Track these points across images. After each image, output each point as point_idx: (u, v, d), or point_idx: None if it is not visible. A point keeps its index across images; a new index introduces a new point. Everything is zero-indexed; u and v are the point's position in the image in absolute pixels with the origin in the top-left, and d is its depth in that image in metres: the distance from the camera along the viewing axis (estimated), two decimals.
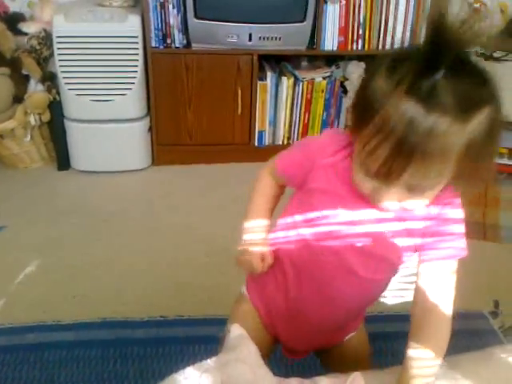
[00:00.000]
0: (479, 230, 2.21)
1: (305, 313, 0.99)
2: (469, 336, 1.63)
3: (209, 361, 0.79)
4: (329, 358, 1.16)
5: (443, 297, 0.87)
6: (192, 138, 2.58)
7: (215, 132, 2.59)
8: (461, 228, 0.86)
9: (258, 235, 1.02)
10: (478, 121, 0.67)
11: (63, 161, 2.54)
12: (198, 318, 1.65)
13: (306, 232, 0.92)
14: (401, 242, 0.88)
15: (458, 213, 0.85)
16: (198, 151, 2.63)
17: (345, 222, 0.87)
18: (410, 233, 0.86)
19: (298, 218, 0.93)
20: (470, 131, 0.67)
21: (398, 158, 0.69)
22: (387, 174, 0.71)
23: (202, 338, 1.56)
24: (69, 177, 2.53)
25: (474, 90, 0.67)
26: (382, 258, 0.91)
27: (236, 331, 0.87)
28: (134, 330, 1.61)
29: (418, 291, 0.88)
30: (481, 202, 2.40)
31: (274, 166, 1.00)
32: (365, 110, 0.72)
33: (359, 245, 0.88)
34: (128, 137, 2.50)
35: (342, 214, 0.86)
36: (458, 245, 0.86)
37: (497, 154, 0.73)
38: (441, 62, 0.65)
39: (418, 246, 0.89)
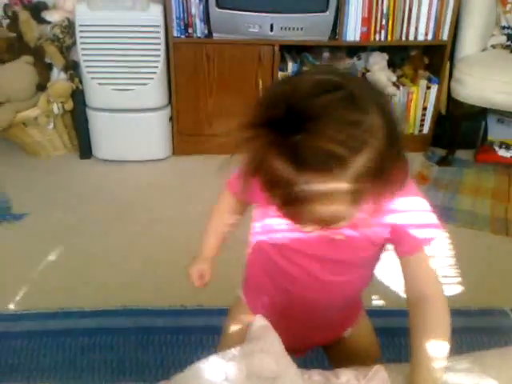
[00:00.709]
0: (502, 226, 2.18)
1: (290, 317, 1.00)
2: (490, 333, 1.62)
3: (233, 350, 0.79)
4: (333, 354, 1.17)
5: (432, 282, 0.87)
6: (212, 128, 2.58)
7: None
8: (415, 219, 0.85)
9: (206, 253, 1.10)
10: (359, 165, 0.64)
11: (85, 149, 2.56)
12: (218, 307, 1.65)
13: (267, 246, 0.95)
14: (355, 243, 0.87)
15: (410, 203, 0.83)
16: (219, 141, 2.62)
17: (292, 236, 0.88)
18: (362, 234, 0.85)
19: (259, 229, 0.96)
20: (351, 175, 0.64)
21: (290, 209, 0.69)
22: (289, 218, 0.72)
23: (221, 328, 1.57)
24: (90, 165, 2.55)
25: (343, 144, 0.63)
26: (338, 261, 0.91)
27: (259, 322, 0.87)
28: (155, 319, 1.63)
29: (406, 282, 0.89)
30: (504, 197, 2.36)
31: (226, 188, 1.04)
32: (248, 164, 0.70)
33: (311, 252, 0.90)
34: (149, 126, 2.51)
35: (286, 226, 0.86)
36: (420, 236, 0.85)
37: (401, 156, 0.70)
38: (296, 128, 0.63)
39: (380, 243, 0.89)
